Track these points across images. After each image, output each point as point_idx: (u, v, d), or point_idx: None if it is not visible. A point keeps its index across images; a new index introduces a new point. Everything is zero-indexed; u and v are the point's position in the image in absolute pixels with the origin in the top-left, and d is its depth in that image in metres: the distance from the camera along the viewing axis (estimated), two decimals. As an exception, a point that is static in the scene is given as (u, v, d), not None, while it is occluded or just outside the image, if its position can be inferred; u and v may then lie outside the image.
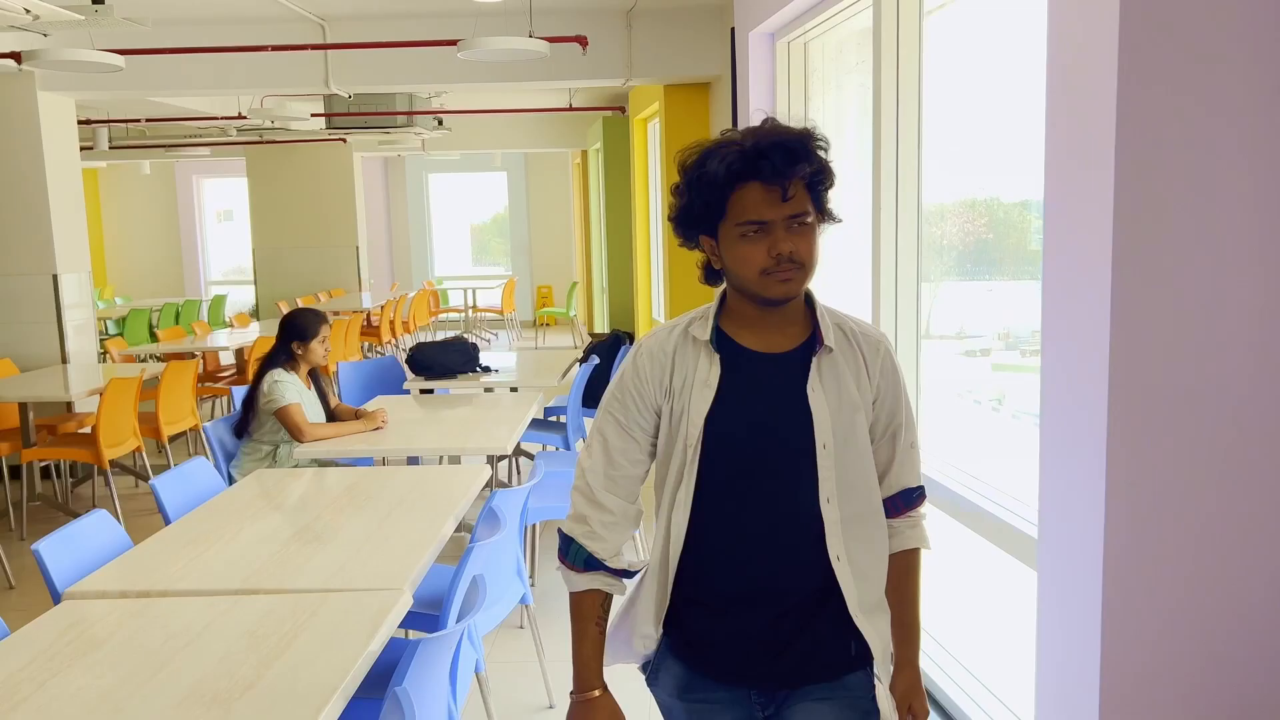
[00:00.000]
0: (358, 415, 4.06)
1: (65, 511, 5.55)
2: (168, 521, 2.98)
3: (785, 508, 1.57)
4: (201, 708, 1.73)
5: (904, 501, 1.67)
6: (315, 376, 4.07)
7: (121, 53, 5.02)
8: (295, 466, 3.86)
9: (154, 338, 10.16)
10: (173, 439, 6.12)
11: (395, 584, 2.29)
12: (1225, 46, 1.84)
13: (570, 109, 9.28)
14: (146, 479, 5.86)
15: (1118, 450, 1.90)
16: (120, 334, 9.80)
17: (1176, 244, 1.87)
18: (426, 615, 2.77)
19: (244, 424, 3.96)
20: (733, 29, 4.89)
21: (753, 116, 4.47)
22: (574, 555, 1.64)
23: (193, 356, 6.98)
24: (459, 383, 5.30)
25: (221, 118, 9.19)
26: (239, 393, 4.56)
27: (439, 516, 2.81)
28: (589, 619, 1.63)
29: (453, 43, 5.05)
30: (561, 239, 15.23)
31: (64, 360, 6.36)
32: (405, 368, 5.47)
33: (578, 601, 1.64)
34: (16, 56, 5.27)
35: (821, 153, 1.50)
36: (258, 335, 7.34)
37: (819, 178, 1.50)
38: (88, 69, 4.96)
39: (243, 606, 2.20)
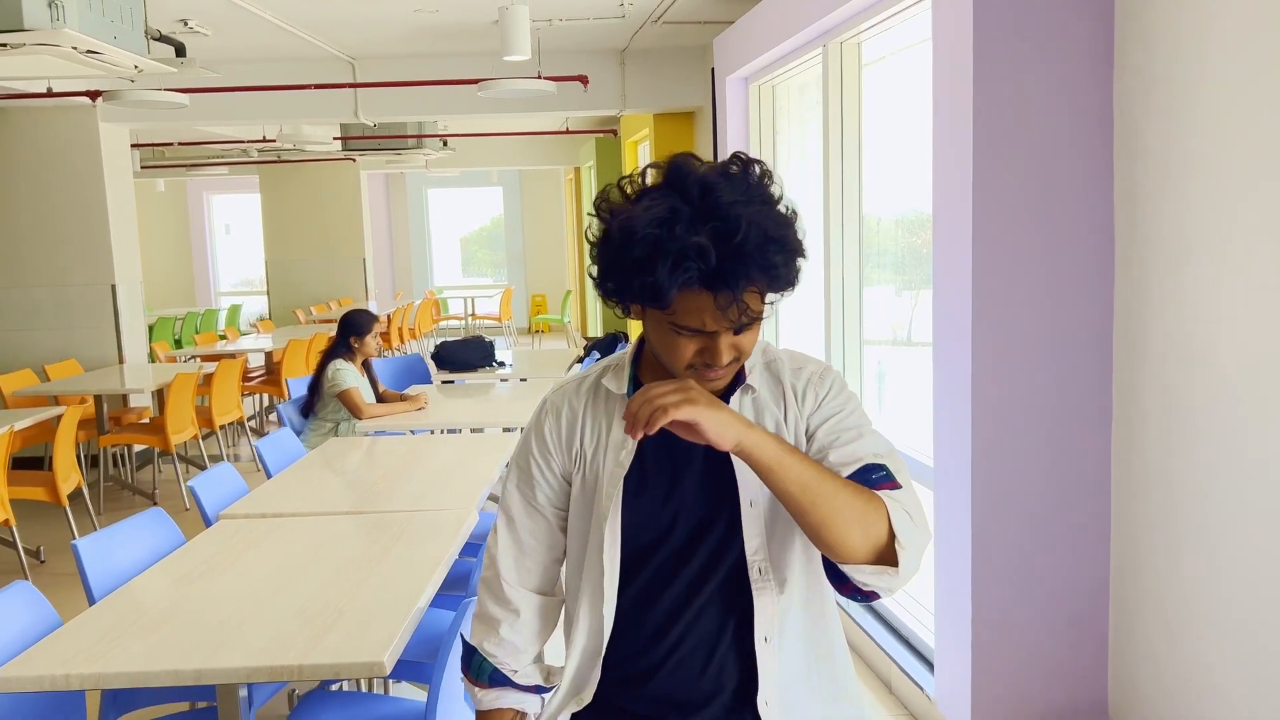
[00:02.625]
0: (402, 398, 4.87)
1: (132, 490, 6.33)
2: (269, 475, 3.78)
3: (712, 587, 1.33)
4: (353, 572, 2.53)
5: (860, 479, 1.27)
6: (367, 366, 4.87)
7: (181, 91, 5.82)
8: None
9: (178, 344, 10.93)
10: (220, 428, 6.89)
11: (465, 505, 3.10)
12: (1052, 101, 2.69)
13: (567, 132, 10.11)
14: (201, 466, 6.65)
15: (979, 409, 2.75)
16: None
17: (1018, 253, 2.72)
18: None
19: (309, 405, 4.76)
20: (713, 69, 5.73)
21: (729, 149, 5.30)
22: (477, 669, 1.42)
23: (232, 358, 7.76)
24: (476, 375, 6.11)
25: (245, 141, 9.99)
26: (294, 385, 5.37)
27: (487, 466, 3.62)
28: None
29: (473, 81, 5.87)
30: (555, 250, 16.04)
31: (120, 361, 7.12)
32: (430, 362, 6.28)
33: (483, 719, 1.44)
34: (92, 95, 6.06)
35: (798, 261, 1.22)
36: (288, 340, 8.12)
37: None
38: (155, 106, 5.75)
39: (356, 521, 3.00)
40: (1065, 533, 2.85)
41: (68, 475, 4.96)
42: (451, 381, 6.09)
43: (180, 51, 5.00)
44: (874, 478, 1.26)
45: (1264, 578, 2.29)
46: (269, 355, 8.55)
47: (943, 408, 2.94)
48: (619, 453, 1.34)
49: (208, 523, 3.18)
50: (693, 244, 1.13)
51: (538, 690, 1.44)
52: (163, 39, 4.89)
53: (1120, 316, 2.75)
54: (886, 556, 1.22)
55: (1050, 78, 2.69)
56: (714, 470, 1.32)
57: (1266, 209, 2.21)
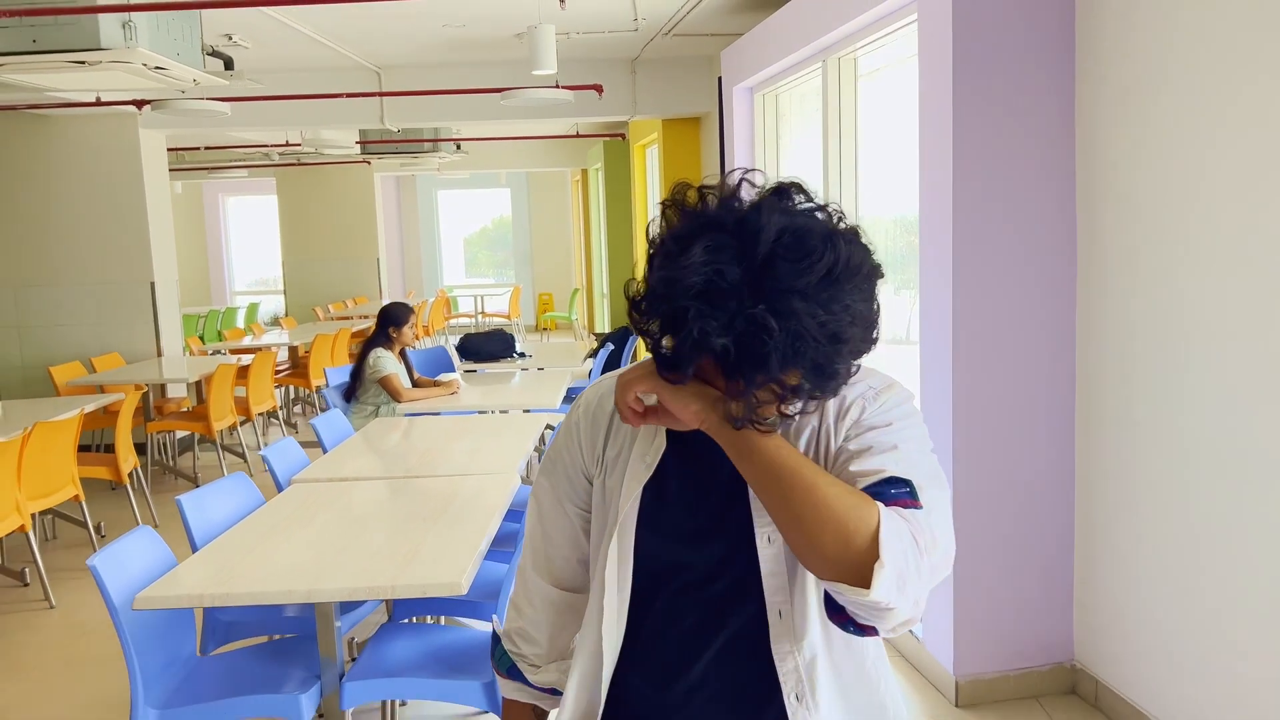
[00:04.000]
0: (435, 384, 5.28)
1: (175, 474, 6.75)
2: (325, 449, 4.19)
3: (733, 629, 1.22)
4: (419, 522, 2.93)
5: (875, 491, 1.10)
6: (403, 354, 5.28)
7: (222, 100, 6.23)
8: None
9: (201, 340, 11.36)
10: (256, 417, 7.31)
11: (508, 470, 3.51)
12: (1022, 115, 3.10)
13: (576, 136, 10.53)
14: (239, 453, 7.07)
15: (959, 386, 3.16)
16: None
17: (993, 245, 3.13)
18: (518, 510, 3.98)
19: (351, 391, 5.17)
20: (720, 78, 6.14)
21: (737, 163, 5.71)
22: (499, 659, 1.43)
23: (259, 351, 8.17)
24: (498, 366, 6.53)
25: (268, 145, 10.40)
26: (333, 373, 5.78)
27: (523, 439, 4.03)
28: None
29: (496, 90, 6.29)
30: (561, 249, 16.46)
31: (159, 354, 7.54)
32: (454, 354, 6.69)
33: (506, 708, 1.44)
34: (138, 104, 6.48)
35: (832, 384, 1.07)
36: (315, 335, 8.53)
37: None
38: (199, 114, 6.16)
39: (413, 484, 3.41)
40: (1035, 492, 3.27)
41: (126, 456, 5.37)
42: (474, 371, 6.50)
43: (229, 65, 5.42)
44: (892, 492, 1.07)
45: (1208, 529, 2.71)
46: (294, 350, 8.96)
47: (928, 383, 3.35)
48: (639, 465, 1.24)
49: (280, 487, 3.59)
50: (716, 344, 0.99)
51: (553, 693, 1.40)
52: (214, 53, 5.30)
53: (1082, 301, 3.17)
54: (869, 576, 1.01)
55: (1020, 94, 3.11)
56: (738, 500, 1.20)
57: (1207, 210, 2.62)
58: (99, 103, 6.52)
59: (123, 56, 4.29)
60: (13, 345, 7.41)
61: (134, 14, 4.21)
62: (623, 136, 10.38)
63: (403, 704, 3.41)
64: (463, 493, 3.26)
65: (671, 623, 1.24)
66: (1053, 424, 3.25)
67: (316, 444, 4.26)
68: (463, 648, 2.81)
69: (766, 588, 1.19)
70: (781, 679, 1.19)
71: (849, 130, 4.57)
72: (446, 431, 4.35)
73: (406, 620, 3.07)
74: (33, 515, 4.60)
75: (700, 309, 0.99)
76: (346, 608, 2.99)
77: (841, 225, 1.08)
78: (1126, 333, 2.95)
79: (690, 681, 1.23)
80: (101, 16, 4.18)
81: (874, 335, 1.08)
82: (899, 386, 1.20)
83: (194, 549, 2.91)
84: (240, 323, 12.85)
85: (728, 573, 1.21)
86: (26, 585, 4.77)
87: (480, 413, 5.16)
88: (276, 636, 3.14)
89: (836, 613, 1.10)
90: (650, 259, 1.08)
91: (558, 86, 6.06)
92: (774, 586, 1.19)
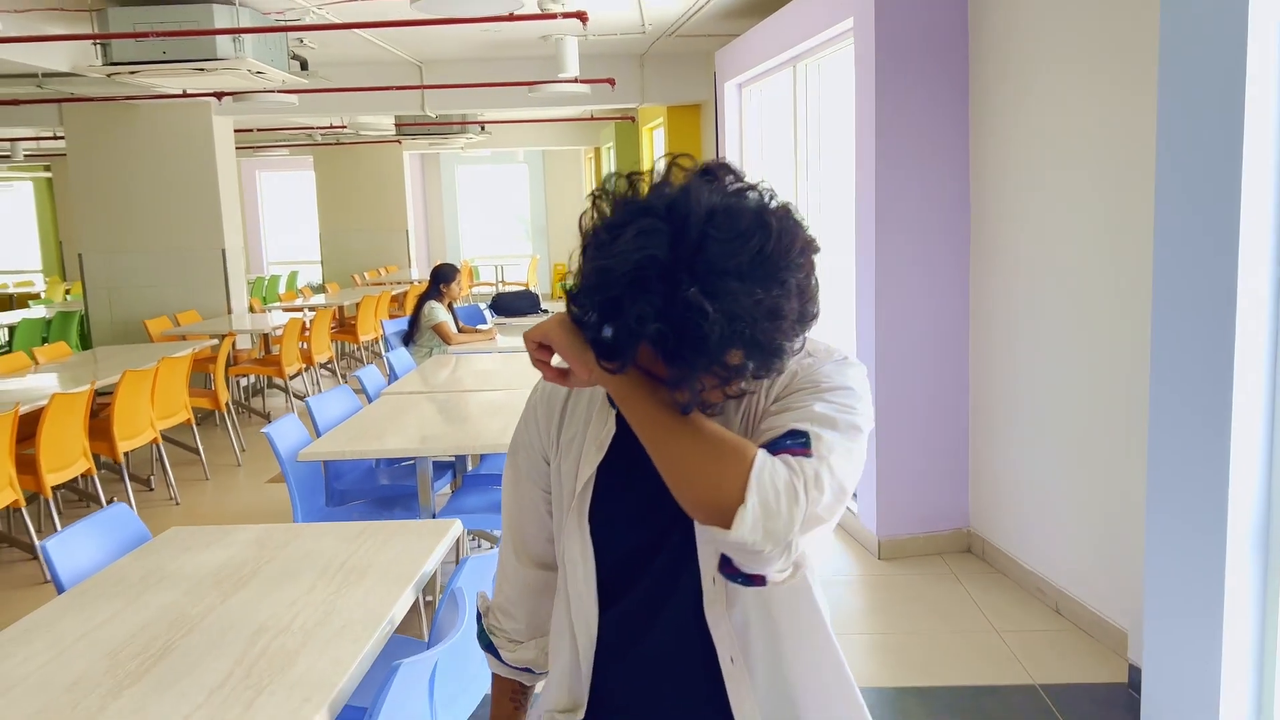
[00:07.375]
0: (477, 331, 6.41)
1: (250, 411, 7.91)
2: (393, 378, 5.31)
3: (676, 600, 1.24)
4: (489, 413, 4.05)
5: (772, 445, 1.09)
6: (451, 306, 6.41)
7: (289, 92, 7.32)
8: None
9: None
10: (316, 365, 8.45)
11: (545, 386, 4.63)
12: (929, 111, 4.19)
13: (591, 119, 11.60)
14: (301, 396, 8.21)
15: (880, 309, 4.26)
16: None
17: (904, 224, 4.23)
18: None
19: (409, 336, 6.30)
20: (715, 73, 7.21)
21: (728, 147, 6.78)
22: (479, 634, 1.47)
23: (313, 310, 9.31)
24: (525, 320, 7.65)
25: (312, 127, 11.48)
26: (388, 325, 6.91)
27: (553, 368, 5.14)
28: (503, 693, 1.47)
29: (524, 84, 7.37)
30: (575, 221, 17.52)
31: (229, 311, 8.68)
32: (488, 311, 7.82)
33: (494, 683, 1.48)
34: (218, 95, 7.58)
35: (777, 361, 1.06)
36: (363, 296, 9.66)
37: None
38: (270, 105, 7.26)
39: (474, 395, 4.53)
40: (939, 395, 4.37)
41: (223, 390, 6.52)
42: (503, 324, 7.64)
43: (304, 65, 6.51)
44: (786, 443, 1.08)
45: (1065, 425, 3.82)
46: (341, 310, 10.11)
47: (862, 318, 4.45)
48: (593, 449, 1.26)
49: (370, 399, 4.72)
50: (650, 330, 1.00)
51: (528, 672, 1.44)
52: (294, 56, 6.39)
53: (974, 250, 4.26)
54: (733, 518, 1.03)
55: (927, 96, 4.19)
56: None
57: (1051, 189, 3.72)
58: (184, 95, 7.62)
59: (233, 65, 5.40)
60: (104, 303, 8.56)
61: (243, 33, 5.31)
62: (632, 119, 11.44)
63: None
64: (514, 401, 4.38)
65: (619, 601, 1.26)
66: (951, 343, 4.34)
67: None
68: (516, 502, 3.94)
69: (701, 554, 1.21)
70: (716, 643, 1.22)
71: (813, 121, 5.65)
72: (490, 366, 5.47)
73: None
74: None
75: (634, 295, 0.99)
76: (435, 476, 4.11)
77: (772, 203, 1.07)
78: (1005, 269, 4.05)
79: (636, 657, 1.27)
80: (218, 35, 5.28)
81: (814, 309, 1.08)
82: (851, 363, 1.19)
83: (318, 433, 4.04)
84: (282, 290, 13.99)
85: (668, 544, 1.23)
86: (152, 490, 5.93)
87: (515, 352, 6.30)
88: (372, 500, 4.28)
89: (726, 564, 1.11)
90: (584, 250, 1.09)
91: (577, 81, 7.15)
92: (708, 553, 1.20)
